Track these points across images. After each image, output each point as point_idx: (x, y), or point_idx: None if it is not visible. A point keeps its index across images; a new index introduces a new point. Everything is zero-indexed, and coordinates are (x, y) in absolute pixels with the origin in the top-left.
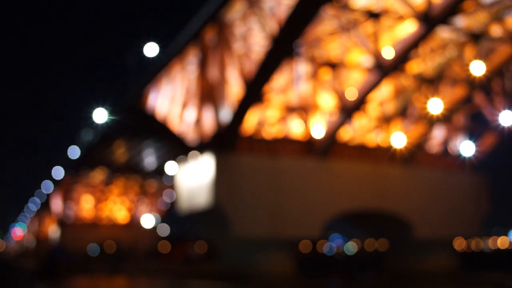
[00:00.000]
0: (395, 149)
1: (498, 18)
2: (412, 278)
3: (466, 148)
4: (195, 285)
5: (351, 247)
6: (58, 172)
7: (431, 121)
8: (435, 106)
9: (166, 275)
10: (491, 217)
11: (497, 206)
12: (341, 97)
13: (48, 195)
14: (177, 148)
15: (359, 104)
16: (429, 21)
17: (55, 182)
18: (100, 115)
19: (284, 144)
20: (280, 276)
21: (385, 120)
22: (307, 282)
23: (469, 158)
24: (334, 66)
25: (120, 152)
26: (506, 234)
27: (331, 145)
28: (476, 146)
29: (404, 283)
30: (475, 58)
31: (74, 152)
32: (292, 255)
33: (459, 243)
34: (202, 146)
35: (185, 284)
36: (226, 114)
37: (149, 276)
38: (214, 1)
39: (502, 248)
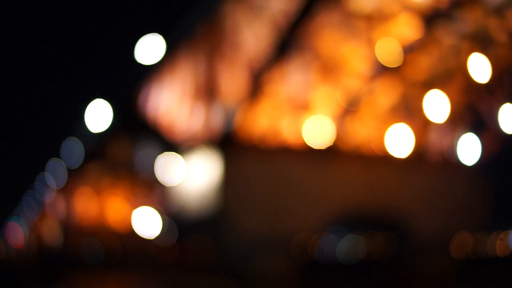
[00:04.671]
0: (396, 152)
1: (500, 19)
2: (412, 280)
3: (468, 151)
4: (196, 284)
5: (351, 252)
6: (55, 170)
7: (432, 125)
8: (436, 109)
9: (167, 274)
10: (493, 215)
11: (499, 205)
12: (342, 100)
13: (47, 193)
14: (180, 149)
15: (360, 107)
16: (429, 18)
17: (53, 180)
18: (97, 124)
19: (285, 146)
20: (281, 277)
21: (386, 123)
22: (307, 282)
23: (470, 160)
24: (335, 68)
25: (121, 152)
26: (509, 229)
27: (332, 148)
28: (477, 149)
29: (405, 285)
30: (477, 62)
31: (72, 149)
32: (293, 256)
33: (460, 244)
34: (205, 147)
35: (186, 284)
36: (227, 115)
37: (150, 276)
38: None
39: (502, 256)
